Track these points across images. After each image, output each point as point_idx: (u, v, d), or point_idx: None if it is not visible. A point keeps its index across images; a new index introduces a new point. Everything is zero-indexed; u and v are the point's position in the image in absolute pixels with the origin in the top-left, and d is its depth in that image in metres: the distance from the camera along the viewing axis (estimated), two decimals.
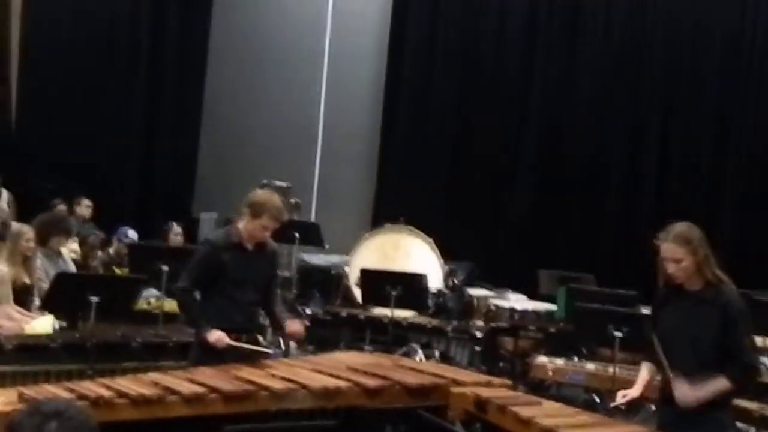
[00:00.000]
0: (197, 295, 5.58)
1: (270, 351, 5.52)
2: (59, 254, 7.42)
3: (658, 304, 4.77)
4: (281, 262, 10.15)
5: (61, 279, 6.24)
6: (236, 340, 5.42)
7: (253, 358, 5.32)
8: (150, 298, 7.70)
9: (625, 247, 11.49)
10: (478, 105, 12.34)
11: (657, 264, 4.64)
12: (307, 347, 8.85)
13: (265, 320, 6.03)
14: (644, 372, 4.81)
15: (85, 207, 10.47)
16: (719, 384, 4.41)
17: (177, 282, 5.66)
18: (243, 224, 5.52)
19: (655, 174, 11.68)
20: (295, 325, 5.78)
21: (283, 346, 8.57)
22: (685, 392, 4.41)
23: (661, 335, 4.66)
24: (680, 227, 4.59)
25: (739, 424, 7.10)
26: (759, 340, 7.52)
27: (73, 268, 7.58)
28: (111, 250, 9.07)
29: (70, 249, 8.41)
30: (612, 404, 4.88)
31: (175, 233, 9.52)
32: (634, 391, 4.76)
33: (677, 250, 4.49)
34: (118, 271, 8.53)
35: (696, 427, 4.40)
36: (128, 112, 12.62)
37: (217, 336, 5.34)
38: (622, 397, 4.79)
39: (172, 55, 12.91)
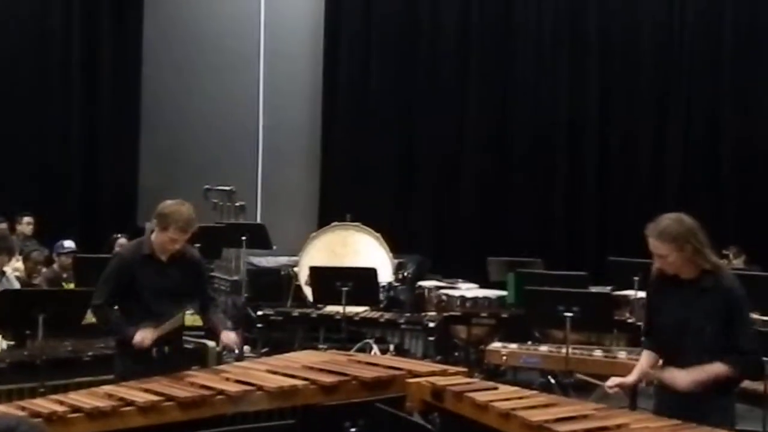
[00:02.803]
0: (113, 309, 5.47)
1: (182, 313, 5.41)
2: (2, 273, 7.29)
3: (653, 291, 4.70)
4: (230, 267, 10.15)
5: (6, 297, 6.13)
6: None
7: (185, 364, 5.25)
8: None
9: (571, 230, 11.63)
10: (418, 97, 12.37)
11: (649, 253, 4.55)
12: (261, 349, 8.82)
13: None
14: (644, 360, 4.69)
15: (26, 224, 10.33)
16: (716, 368, 4.35)
17: (92, 299, 5.52)
18: (154, 236, 5.44)
19: (597, 159, 11.82)
20: (229, 337, 5.63)
21: (236, 350, 8.51)
22: (676, 375, 4.38)
23: (664, 327, 4.58)
24: (666, 222, 4.46)
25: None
26: None
27: (17, 287, 7.45)
28: (55, 266, 8.95)
29: (14, 267, 8.28)
30: (606, 386, 4.74)
31: (120, 244, 9.41)
32: (629, 378, 4.66)
33: (661, 246, 4.42)
34: (65, 286, 8.41)
35: (694, 411, 4.30)
36: (65, 126, 12.45)
37: (140, 336, 5.23)
38: (612, 383, 4.67)
39: (106, 65, 12.75)
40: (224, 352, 6.95)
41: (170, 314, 5.40)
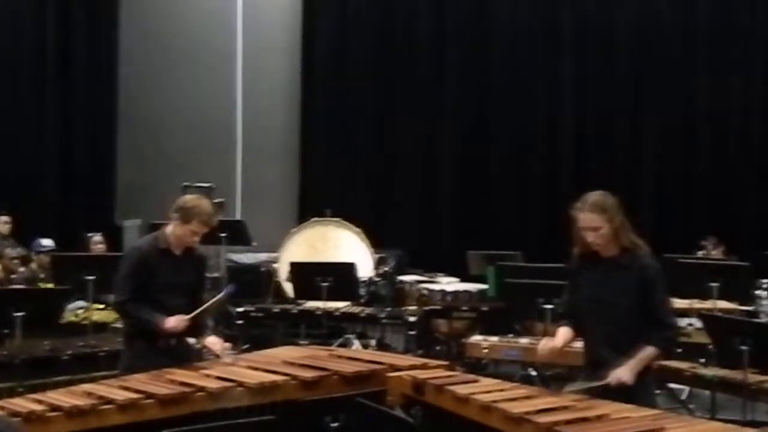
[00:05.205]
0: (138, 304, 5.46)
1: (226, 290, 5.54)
2: None
3: (574, 272, 4.88)
4: (210, 264, 10.09)
5: None
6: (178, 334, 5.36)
7: (190, 356, 5.23)
8: (77, 310, 7.57)
9: (549, 223, 11.65)
10: (395, 92, 12.36)
11: (574, 233, 4.75)
12: (242, 346, 8.78)
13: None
14: (562, 332, 4.87)
15: (2, 223, 10.24)
16: (647, 352, 4.58)
17: (115, 297, 5.50)
18: (171, 229, 5.45)
19: (573, 149, 11.87)
20: (212, 341, 5.60)
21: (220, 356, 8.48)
22: (620, 374, 4.53)
23: (581, 303, 4.79)
24: (595, 196, 4.70)
25: (673, 385, 7.27)
26: (685, 303, 7.73)
27: None
28: (33, 265, 8.88)
29: None
30: (540, 352, 4.90)
31: (95, 242, 9.35)
32: (558, 342, 4.81)
33: (594, 218, 4.61)
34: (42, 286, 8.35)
35: (622, 391, 4.50)
36: (40, 123, 12.34)
37: (173, 321, 5.26)
38: (545, 343, 4.85)
39: (81, 61, 12.64)
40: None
41: (180, 308, 5.43)
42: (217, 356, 5.47)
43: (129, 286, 5.39)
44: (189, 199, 5.54)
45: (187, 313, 5.50)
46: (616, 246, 4.66)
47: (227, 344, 5.75)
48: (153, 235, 5.65)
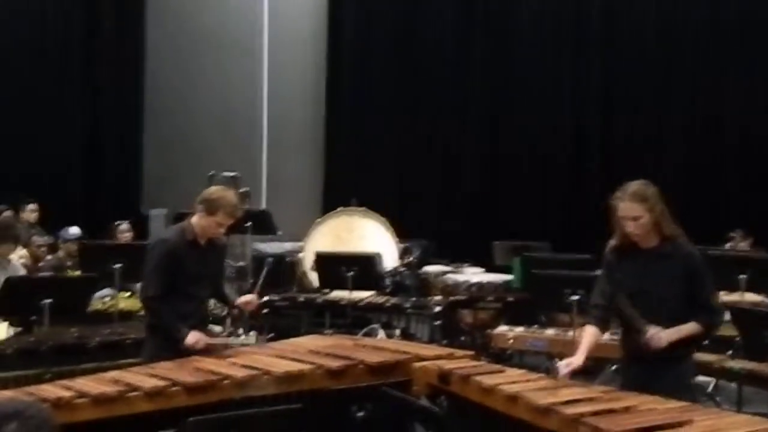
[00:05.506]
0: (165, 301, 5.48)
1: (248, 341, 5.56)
2: (8, 261, 7.30)
3: (608, 265, 4.77)
4: (236, 253, 10.14)
5: (11, 284, 6.14)
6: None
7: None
8: (104, 298, 7.61)
9: (576, 213, 11.58)
10: (420, 82, 12.34)
11: (612, 223, 4.67)
12: (267, 335, 8.81)
13: (222, 310, 5.96)
14: (586, 338, 4.73)
15: (30, 212, 10.30)
16: (689, 326, 4.51)
17: (146, 290, 5.50)
18: (197, 220, 5.44)
19: (598, 140, 11.78)
20: (246, 298, 5.75)
21: (243, 336, 8.51)
22: (657, 333, 4.45)
23: (620, 296, 4.67)
24: (636, 185, 4.62)
25: (700, 378, 7.22)
26: None
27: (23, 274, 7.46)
28: (60, 253, 8.94)
29: (19, 255, 8.29)
30: (560, 370, 4.59)
31: (122, 231, 9.39)
32: (577, 359, 4.62)
33: (635, 207, 4.54)
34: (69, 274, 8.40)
35: (660, 379, 4.45)
36: (68, 114, 12.43)
37: (195, 338, 5.26)
38: (565, 366, 4.59)
39: (109, 52, 12.73)
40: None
41: (205, 296, 5.53)
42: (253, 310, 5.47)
43: (159, 280, 5.38)
44: (214, 190, 5.54)
45: (208, 300, 5.55)
46: (656, 236, 4.58)
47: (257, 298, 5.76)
48: (179, 227, 5.65)
